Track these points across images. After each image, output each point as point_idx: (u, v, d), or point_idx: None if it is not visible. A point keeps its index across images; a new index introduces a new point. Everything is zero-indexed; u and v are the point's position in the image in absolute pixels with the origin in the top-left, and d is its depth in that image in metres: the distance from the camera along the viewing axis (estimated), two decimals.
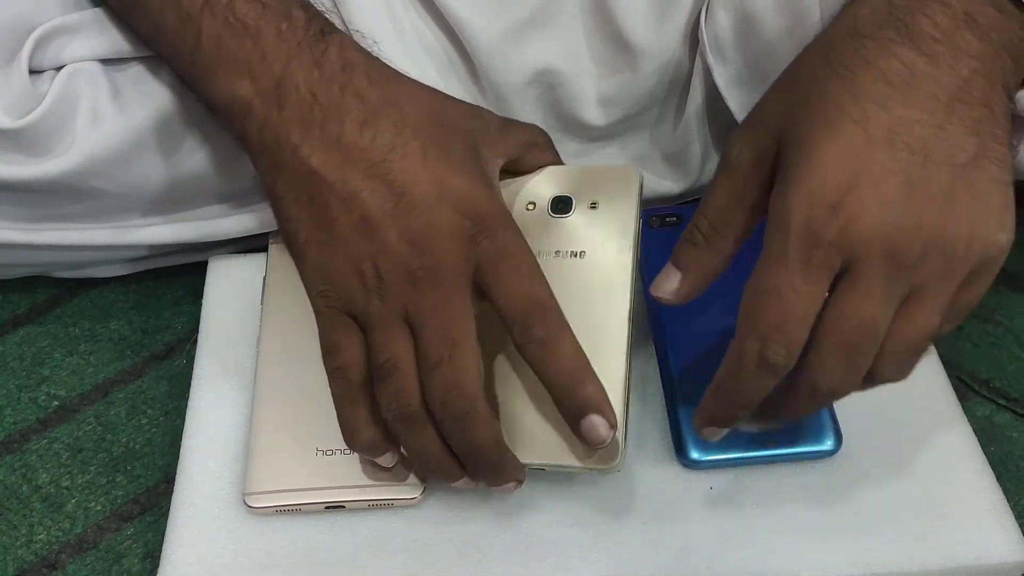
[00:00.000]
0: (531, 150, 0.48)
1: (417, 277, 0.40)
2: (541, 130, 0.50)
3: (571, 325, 0.41)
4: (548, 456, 0.42)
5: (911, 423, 0.49)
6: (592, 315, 0.43)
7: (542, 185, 0.47)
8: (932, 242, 0.36)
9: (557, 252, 0.45)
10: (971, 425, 0.49)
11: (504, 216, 0.42)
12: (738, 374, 0.39)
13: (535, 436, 0.43)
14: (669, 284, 0.42)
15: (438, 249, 0.40)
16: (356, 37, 0.48)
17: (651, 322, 0.52)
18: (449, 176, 0.42)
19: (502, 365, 0.44)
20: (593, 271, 0.45)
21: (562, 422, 0.42)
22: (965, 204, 0.36)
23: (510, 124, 0.49)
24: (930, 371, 0.51)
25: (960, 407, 0.50)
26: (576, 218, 0.46)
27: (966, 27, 0.37)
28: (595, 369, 0.41)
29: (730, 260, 0.42)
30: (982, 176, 0.37)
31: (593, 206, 0.46)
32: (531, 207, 0.47)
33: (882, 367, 0.38)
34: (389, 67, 0.46)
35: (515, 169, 0.48)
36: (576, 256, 0.45)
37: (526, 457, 0.43)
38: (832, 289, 0.38)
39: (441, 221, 0.41)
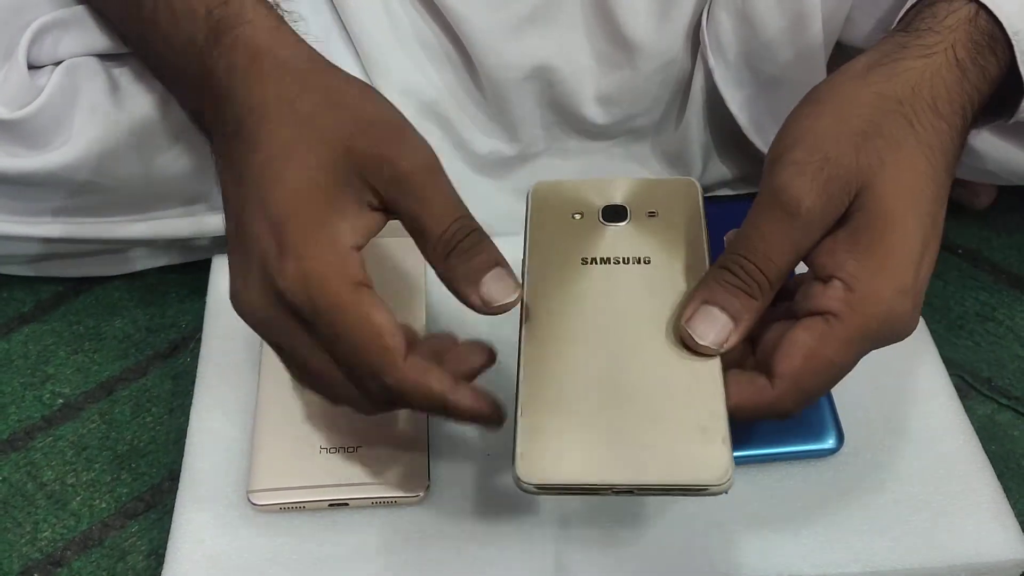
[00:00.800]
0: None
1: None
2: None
3: (652, 344, 0.38)
4: (651, 474, 0.36)
5: (913, 422, 0.49)
6: (671, 325, 0.39)
7: (589, 195, 0.43)
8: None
9: (615, 259, 0.41)
10: (972, 424, 0.49)
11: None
12: (756, 415, 0.39)
13: (638, 454, 0.36)
14: (718, 333, 0.38)
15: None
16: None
17: None
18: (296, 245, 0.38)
19: (606, 376, 0.38)
20: (662, 279, 0.40)
21: (669, 437, 0.36)
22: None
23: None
24: (931, 370, 0.51)
25: (961, 406, 0.50)
26: (633, 227, 0.42)
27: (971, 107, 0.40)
28: (687, 374, 0.37)
29: None
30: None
31: (652, 215, 0.42)
32: (578, 217, 0.43)
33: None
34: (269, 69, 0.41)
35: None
36: (641, 263, 0.41)
37: (619, 477, 0.36)
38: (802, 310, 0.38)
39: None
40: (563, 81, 0.56)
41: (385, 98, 0.41)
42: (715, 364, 0.38)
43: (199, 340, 0.54)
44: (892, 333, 0.38)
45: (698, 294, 0.39)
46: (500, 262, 0.39)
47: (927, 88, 0.39)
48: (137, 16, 0.45)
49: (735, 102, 0.56)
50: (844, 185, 0.37)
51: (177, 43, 0.43)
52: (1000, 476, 0.48)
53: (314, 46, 0.43)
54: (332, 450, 0.48)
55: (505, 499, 0.47)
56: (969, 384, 0.54)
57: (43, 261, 0.58)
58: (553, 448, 0.36)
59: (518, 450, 0.37)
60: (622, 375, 0.38)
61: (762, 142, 0.57)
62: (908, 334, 0.39)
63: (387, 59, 0.55)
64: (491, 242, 0.39)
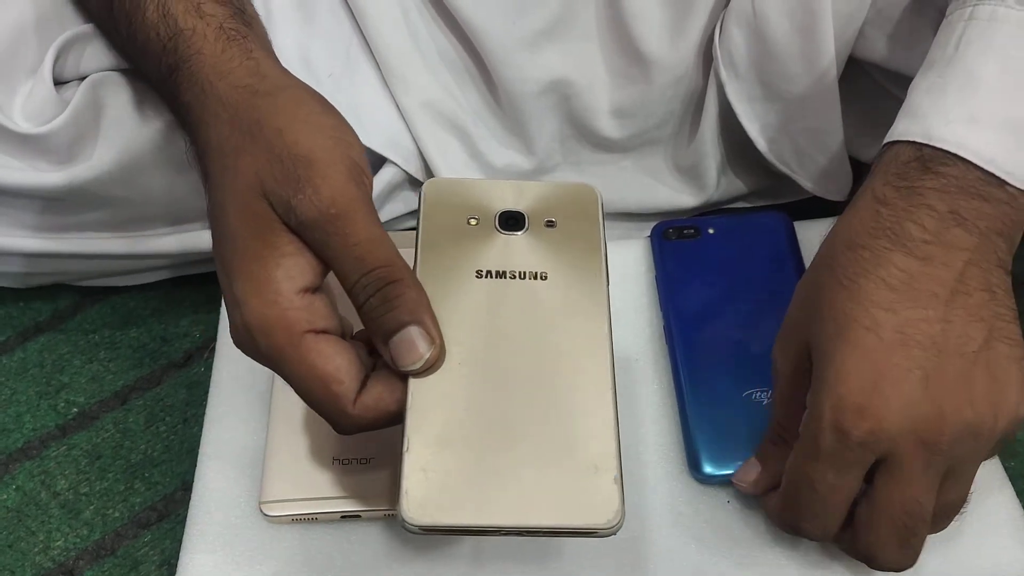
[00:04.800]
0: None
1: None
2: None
3: (544, 373, 0.37)
4: (539, 517, 0.34)
5: None
6: (567, 351, 0.38)
7: (485, 198, 0.41)
8: (958, 426, 0.38)
9: (511, 274, 0.39)
10: None
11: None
12: (780, 525, 0.44)
13: (526, 495, 0.35)
14: (750, 475, 0.45)
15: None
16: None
17: (665, 338, 0.52)
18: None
19: (496, 410, 0.37)
20: (558, 298, 0.39)
21: (559, 478, 0.35)
22: (983, 386, 0.38)
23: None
24: None
25: None
26: (531, 237, 0.40)
27: (954, 224, 0.39)
28: (580, 406, 0.36)
29: None
30: (996, 357, 0.39)
31: (550, 225, 0.40)
32: (473, 222, 0.40)
33: (929, 532, 0.41)
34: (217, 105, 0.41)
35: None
36: (536, 279, 0.39)
37: (506, 520, 0.35)
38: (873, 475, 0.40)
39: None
40: (578, 95, 0.56)
41: (317, 123, 0.39)
42: (608, 400, 0.37)
43: (213, 350, 0.54)
44: (861, 445, 0.38)
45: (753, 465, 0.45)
46: (414, 320, 0.36)
47: (844, 229, 0.41)
48: (121, 45, 0.46)
49: (747, 116, 0.56)
50: (795, 340, 0.42)
51: (151, 74, 0.44)
52: (1019, 493, 0.47)
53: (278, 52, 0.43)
54: (344, 462, 0.47)
55: None
56: None
57: (63, 274, 0.58)
58: (439, 488, 0.35)
59: (403, 488, 0.35)
60: (513, 409, 0.36)
61: (774, 156, 0.57)
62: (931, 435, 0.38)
63: (406, 71, 0.55)
64: (410, 294, 0.37)
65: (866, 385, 0.38)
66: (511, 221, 0.40)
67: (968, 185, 0.39)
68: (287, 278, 0.37)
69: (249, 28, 0.43)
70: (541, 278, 0.39)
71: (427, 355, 0.37)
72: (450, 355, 0.37)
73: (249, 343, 0.38)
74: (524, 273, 0.39)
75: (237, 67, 0.41)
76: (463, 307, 0.38)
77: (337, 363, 0.37)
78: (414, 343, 0.37)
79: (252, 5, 0.47)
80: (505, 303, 0.38)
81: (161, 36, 0.42)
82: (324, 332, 0.37)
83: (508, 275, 0.39)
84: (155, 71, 0.43)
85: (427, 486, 0.35)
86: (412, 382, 0.37)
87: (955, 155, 0.39)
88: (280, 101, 0.40)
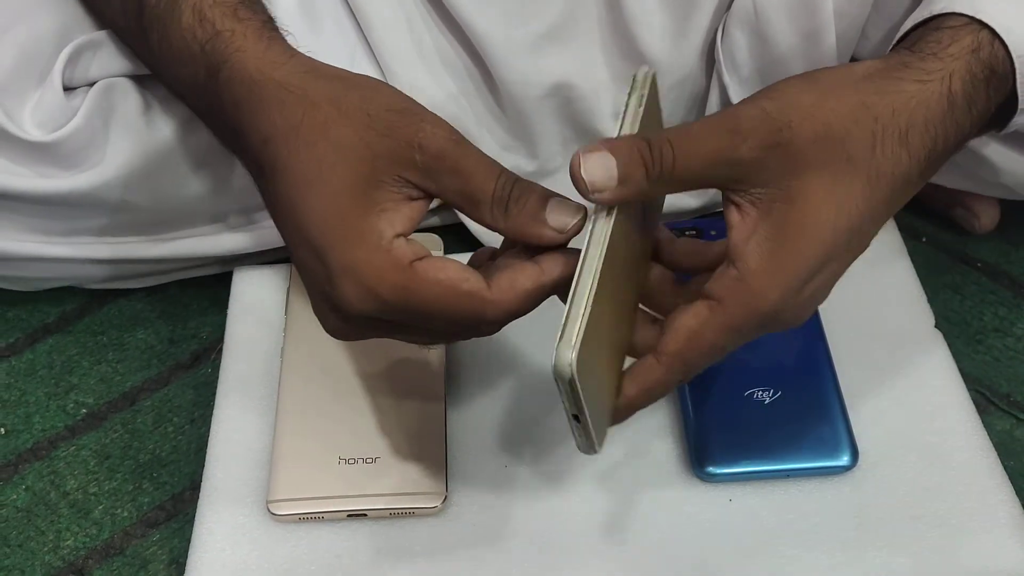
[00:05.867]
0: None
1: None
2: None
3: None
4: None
5: (930, 437, 0.49)
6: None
7: None
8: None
9: None
10: (991, 439, 0.49)
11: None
12: (651, 396, 0.41)
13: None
14: (600, 178, 0.38)
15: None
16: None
17: None
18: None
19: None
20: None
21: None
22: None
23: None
24: (949, 385, 0.51)
25: (980, 421, 0.50)
26: None
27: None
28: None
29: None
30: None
31: None
32: None
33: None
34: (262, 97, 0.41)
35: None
36: None
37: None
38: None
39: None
40: (581, 98, 0.57)
41: (388, 86, 0.42)
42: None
43: (220, 351, 0.55)
44: (770, 325, 0.39)
45: (609, 140, 0.38)
46: (553, 193, 0.39)
47: (905, 117, 0.39)
48: (147, 52, 0.46)
49: None
50: (786, 162, 0.38)
51: (184, 79, 0.44)
52: (1019, 492, 0.47)
53: (306, 54, 0.43)
54: (351, 461, 0.48)
55: (522, 510, 0.47)
56: (987, 399, 0.54)
57: (72, 278, 0.59)
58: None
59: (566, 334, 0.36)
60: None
61: None
62: (791, 327, 0.40)
63: (409, 75, 0.55)
64: (536, 183, 0.40)
65: (814, 284, 0.38)
66: None
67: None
68: (387, 226, 0.39)
69: (284, 36, 0.44)
70: None
71: (582, 212, 0.39)
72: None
73: (368, 302, 0.38)
74: None
75: (288, 60, 0.42)
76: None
77: (453, 267, 0.39)
78: (566, 203, 0.39)
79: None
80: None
81: (198, 38, 0.43)
82: (426, 257, 0.39)
83: None
84: (190, 76, 0.43)
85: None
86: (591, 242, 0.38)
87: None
88: (350, 78, 0.41)
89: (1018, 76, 0.41)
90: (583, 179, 0.37)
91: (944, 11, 0.41)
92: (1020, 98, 0.41)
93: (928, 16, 0.42)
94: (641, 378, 0.40)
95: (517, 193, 0.39)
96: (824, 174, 0.38)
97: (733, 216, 0.39)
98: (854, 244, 0.39)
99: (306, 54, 0.43)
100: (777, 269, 0.38)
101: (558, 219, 0.39)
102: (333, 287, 0.38)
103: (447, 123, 0.40)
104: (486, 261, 0.42)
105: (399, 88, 0.55)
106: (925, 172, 0.40)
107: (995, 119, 0.43)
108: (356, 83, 0.41)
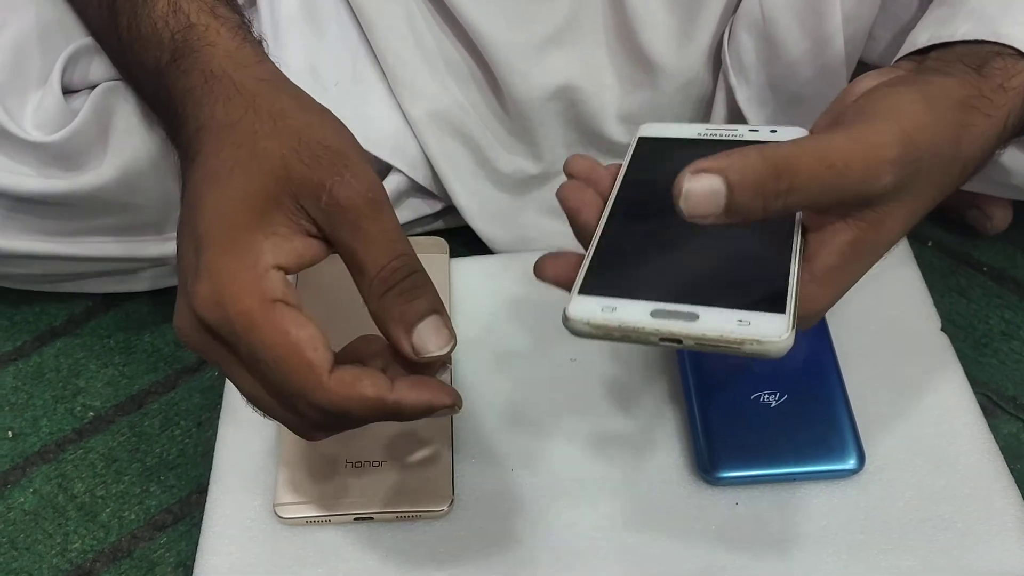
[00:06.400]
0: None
1: None
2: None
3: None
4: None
5: (937, 440, 0.49)
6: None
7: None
8: None
9: None
10: (997, 442, 0.49)
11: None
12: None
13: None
14: (706, 198, 0.33)
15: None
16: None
17: None
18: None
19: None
20: None
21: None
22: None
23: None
24: (956, 388, 0.51)
25: (986, 424, 0.50)
26: None
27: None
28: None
29: None
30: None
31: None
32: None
33: None
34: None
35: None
36: None
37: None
38: None
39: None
40: (586, 101, 0.57)
41: (340, 124, 0.40)
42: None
43: None
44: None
45: (720, 159, 0.33)
46: (438, 310, 0.37)
47: (973, 150, 0.38)
48: (117, 45, 0.46)
49: (758, 120, 0.56)
50: (902, 188, 0.36)
51: (148, 67, 0.44)
52: None
53: (282, 66, 0.42)
54: (357, 464, 0.48)
55: (529, 513, 0.47)
56: (994, 403, 0.54)
57: (75, 280, 0.59)
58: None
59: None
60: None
61: None
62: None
63: (413, 78, 0.55)
64: (432, 287, 0.38)
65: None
66: None
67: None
68: (274, 252, 0.37)
69: (257, 40, 0.44)
70: None
71: (449, 345, 0.37)
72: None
73: (212, 312, 0.36)
74: None
75: (256, 63, 0.42)
76: None
77: (310, 332, 0.36)
78: (440, 330, 0.37)
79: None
80: None
81: (170, 26, 0.42)
82: (294, 307, 0.37)
83: None
84: (154, 60, 0.43)
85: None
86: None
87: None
88: (303, 100, 0.41)
89: None
90: (689, 207, 0.33)
91: (1000, 41, 0.40)
92: None
93: (983, 39, 0.41)
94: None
95: (406, 287, 0.37)
96: (915, 201, 0.37)
97: (816, 218, 0.37)
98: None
99: (274, 63, 0.42)
100: (838, 280, 0.37)
101: (421, 339, 0.37)
102: (194, 280, 0.36)
103: (376, 183, 0.38)
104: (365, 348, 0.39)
105: (401, 90, 0.56)
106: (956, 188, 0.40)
107: None
108: (306, 107, 0.40)
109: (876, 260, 0.38)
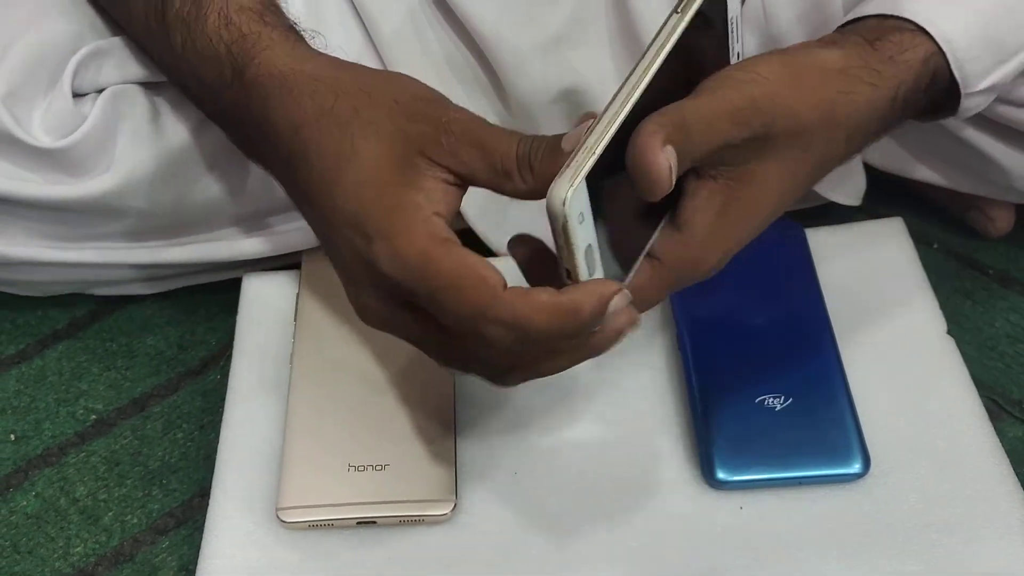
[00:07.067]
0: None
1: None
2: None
3: None
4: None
5: (942, 444, 0.49)
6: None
7: None
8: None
9: None
10: (1003, 446, 0.49)
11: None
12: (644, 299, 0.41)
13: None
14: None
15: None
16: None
17: (678, 345, 0.52)
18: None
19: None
20: None
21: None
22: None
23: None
24: (961, 391, 0.51)
25: (992, 428, 0.50)
26: None
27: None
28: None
29: None
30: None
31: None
32: None
33: None
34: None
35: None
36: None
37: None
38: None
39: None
40: (590, 102, 0.57)
41: (412, 78, 0.43)
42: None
43: (229, 358, 0.55)
44: (693, 281, 0.42)
45: (641, 140, 0.37)
46: (567, 133, 0.39)
47: (858, 118, 0.41)
48: (170, 56, 0.46)
49: None
50: (759, 148, 0.39)
51: (208, 81, 0.44)
52: None
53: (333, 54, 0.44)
54: (360, 468, 0.48)
55: (532, 518, 0.47)
56: (1000, 406, 0.54)
57: (81, 283, 0.59)
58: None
59: None
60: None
61: None
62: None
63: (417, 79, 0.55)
64: (549, 136, 0.40)
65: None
66: None
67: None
68: (427, 202, 0.39)
69: (311, 38, 0.45)
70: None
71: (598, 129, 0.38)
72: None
73: (394, 267, 0.38)
74: None
75: (316, 56, 0.43)
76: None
77: (482, 260, 0.38)
78: (576, 130, 0.39)
79: None
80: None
81: (224, 40, 0.43)
82: (459, 244, 0.39)
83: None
84: (215, 76, 0.44)
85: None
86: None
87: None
88: (376, 72, 0.43)
89: (961, 91, 0.44)
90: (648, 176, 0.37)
91: (902, 15, 0.43)
92: (961, 101, 0.44)
93: (888, 13, 0.43)
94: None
95: (535, 147, 0.39)
96: (784, 161, 0.40)
97: (690, 182, 0.40)
98: (777, 212, 0.42)
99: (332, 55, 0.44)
100: (720, 240, 0.41)
101: (572, 142, 0.38)
102: (370, 250, 0.39)
103: (468, 110, 0.41)
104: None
105: None
106: (851, 158, 0.44)
107: (942, 106, 0.45)
108: (385, 76, 0.44)
109: (761, 219, 0.41)
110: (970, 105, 0.45)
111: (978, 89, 0.44)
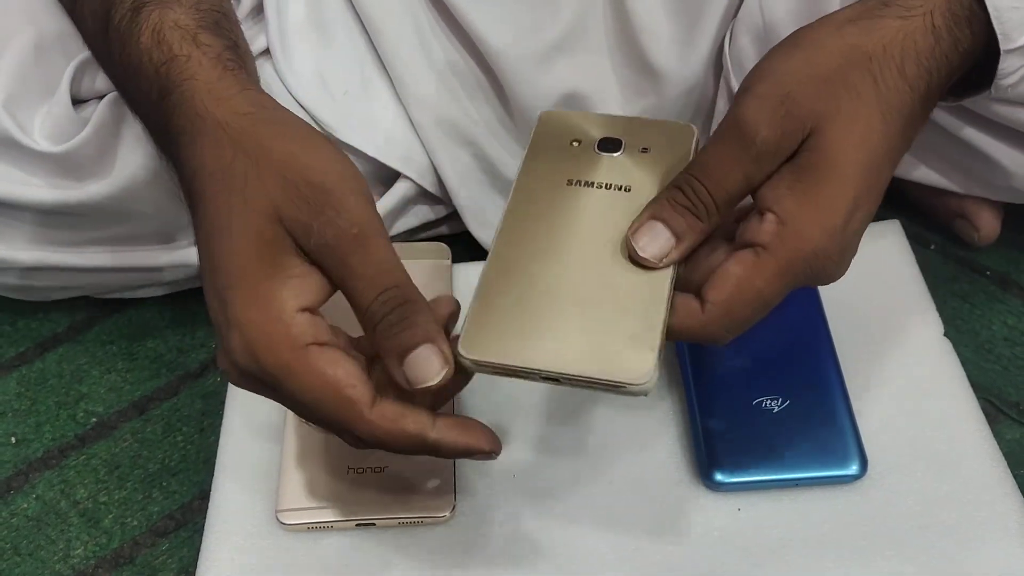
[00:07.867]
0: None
1: None
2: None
3: (610, 258, 0.40)
4: (575, 366, 0.38)
5: (940, 446, 0.49)
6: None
7: (590, 127, 0.45)
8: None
9: (599, 184, 0.42)
10: (1000, 448, 0.49)
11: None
12: (688, 337, 0.40)
13: (568, 347, 0.38)
14: (660, 248, 0.39)
15: None
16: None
17: (675, 346, 0.52)
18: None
19: (559, 281, 0.40)
20: (637, 206, 0.41)
21: (602, 338, 0.38)
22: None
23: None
24: (959, 393, 0.51)
25: (990, 430, 0.50)
26: (624, 157, 0.43)
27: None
28: (637, 290, 0.39)
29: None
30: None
31: (644, 151, 0.43)
32: (575, 144, 0.44)
33: None
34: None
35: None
36: (621, 190, 0.42)
37: (551, 365, 0.38)
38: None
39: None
40: (590, 108, 0.57)
41: (325, 151, 0.40)
42: (664, 283, 0.39)
43: None
44: (818, 272, 0.39)
45: (648, 209, 0.40)
46: (429, 338, 0.37)
47: (898, 49, 0.39)
48: (112, 65, 0.46)
49: None
50: (799, 123, 0.38)
51: (139, 98, 0.44)
52: None
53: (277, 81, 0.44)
54: (359, 470, 0.48)
55: (531, 519, 0.47)
56: (997, 408, 0.54)
57: (84, 287, 0.59)
58: (493, 332, 0.38)
59: (463, 328, 0.38)
60: (575, 282, 0.40)
61: None
62: (834, 279, 0.40)
63: (420, 86, 0.56)
64: (424, 315, 0.38)
65: (852, 222, 0.38)
66: (609, 144, 0.44)
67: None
68: (292, 297, 0.38)
69: (243, 62, 0.44)
70: (625, 190, 0.42)
71: (442, 373, 0.37)
72: (529, 238, 0.41)
73: (249, 363, 0.37)
74: (610, 185, 0.42)
75: (236, 95, 0.41)
76: (548, 205, 0.42)
77: (347, 368, 0.37)
78: (431, 360, 0.37)
79: (244, 40, 0.48)
80: (587, 205, 0.42)
81: (154, 60, 0.43)
82: (327, 345, 0.38)
83: (596, 185, 0.42)
84: (146, 94, 0.43)
85: (483, 329, 0.38)
86: (493, 254, 0.40)
87: None
88: (286, 129, 0.41)
89: (993, 19, 0.40)
90: (647, 259, 0.39)
91: None
92: (1000, 40, 0.41)
93: None
94: (679, 319, 0.39)
95: (393, 319, 0.37)
96: (839, 118, 0.38)
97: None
98: (875, 184, 0.39)
99: (256, 85, 0.43)
100: (817, 209, 0.38)
101: (411, 371, 0.37)
102: (226, 334, 0.38)
103: (365, 214, 0.38)
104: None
105: (408, 98, 0.56)
106: (926, 106, 0.40)
107: (979, 80, 0.43)
108: (290, 137, 0.40)
109: (859, 178, 0.38)
110: (1008, 67, 0.42)
111: (1019, 44, 0.41)
